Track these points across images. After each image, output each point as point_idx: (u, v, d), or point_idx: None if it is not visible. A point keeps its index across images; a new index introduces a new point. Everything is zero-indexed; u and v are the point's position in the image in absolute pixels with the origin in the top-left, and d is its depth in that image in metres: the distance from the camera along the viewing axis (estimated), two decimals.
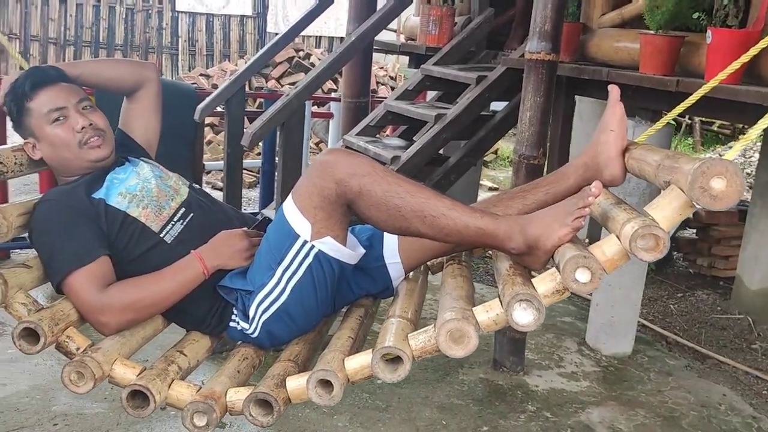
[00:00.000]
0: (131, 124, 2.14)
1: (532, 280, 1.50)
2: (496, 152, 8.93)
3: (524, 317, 1.43)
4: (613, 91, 1.84)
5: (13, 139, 4.43)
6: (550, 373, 3.52)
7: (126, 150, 2.04)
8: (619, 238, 1.43)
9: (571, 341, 3.88)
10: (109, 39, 11.27)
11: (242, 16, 12.01)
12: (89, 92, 2.05)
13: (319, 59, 9.93)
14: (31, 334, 1.57)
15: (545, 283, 1.47)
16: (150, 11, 11.48)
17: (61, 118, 1.87)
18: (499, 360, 3.46)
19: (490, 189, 7.66)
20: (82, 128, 1.87)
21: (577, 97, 4.22)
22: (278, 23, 12.12)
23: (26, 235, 1.82)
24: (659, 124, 2.54)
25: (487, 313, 1.50)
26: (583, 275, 1.41)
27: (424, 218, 1.63)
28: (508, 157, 9.14)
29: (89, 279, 1.70)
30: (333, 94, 7.54)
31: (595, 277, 1.41)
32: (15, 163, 1.86)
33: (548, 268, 1.52)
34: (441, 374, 3.36)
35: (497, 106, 4.20)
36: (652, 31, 3.09)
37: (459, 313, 1.48)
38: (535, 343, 3.77)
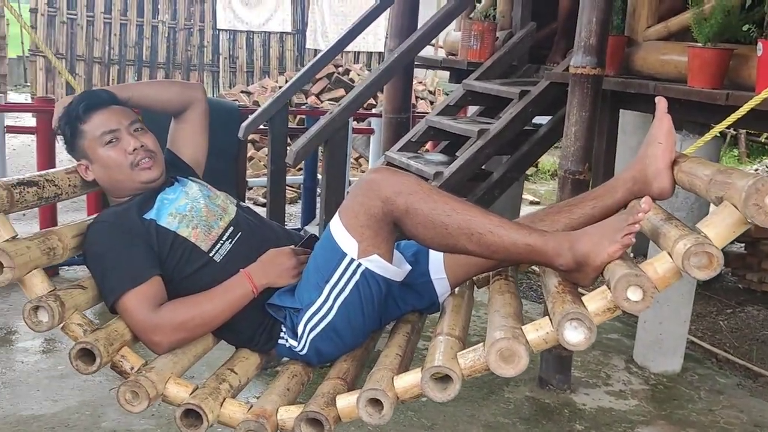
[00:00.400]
0: (179, 143, 2.18)
1: (582, 298, 1.48)
2: (536, 165, 8.87)
3: (575, 336, 1.42)
4: (661, 103, 1.82)
5: (60, 157, 4.54)
6: (597, 391, 3.46)
7: (174, 170, 2.07)
8: (671, 256, 1.41)
9: (619, 359, 3.82)
10: (152, 57, 11.50)
11: (282, 33, 12.16)
12: (136, 112, 2.10)
13: (359, 75, 9.99)
14: (86, 354, 1.60)
15: (596, 301, 1.45)
16: (192, 29, 11.69)
17: (113, 140, 1.91)
18: (545, 378, 3.42)
19: (532, 203, 7.61)
20: (134, 150, 1.91)
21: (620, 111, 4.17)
22: (317, 40, 12.24)
23: (79, 254, 1.86)
24: (708, 136, 2.51)
25: (537, 332, 1.48)
26: (634, 294, 1.39)
27: (471, 236, 1.63)
28: (548, 171, 9.07)
29: (142, 299, 1.72)
30: (373, 110, 7.56)
31: (647, 295, 1.39)
32: (69, 185, 1.90)
33: (598, 285, 1.51)
34: (486, 392, 3.33)
35: (539, 119, 4.17)
36: (700, 44, 3.04)
37: (509, 331, 1.47)
38: (581, 361, 3.72)
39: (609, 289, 1.42)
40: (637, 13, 3.62)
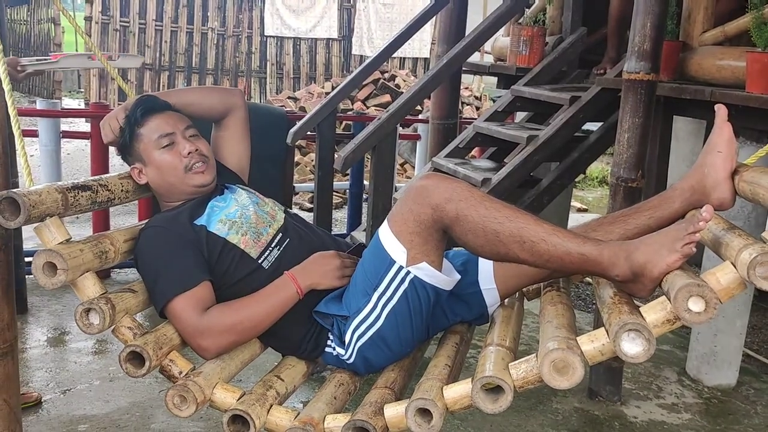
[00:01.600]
0: (222, 151, 2.17)
1: (640, 309, 1.44)
2: (584, 172, 8.74)
3: (633, 348, 1.37)
4: (721, 110, 1.76)
5: (113, 162, 4.61)
6: (648, 403, 3.37)
7: (221, 178, 2.07)
8: (734, 266, 1.36)
9: (671, 371, 3.72)
10: (201, 64, 11.69)
11: (328, 39, 12.25)
12: None
13: (404, 80, 9.99)
14: (136, 357, 1.61)
15: (655, 312, 1.40)
16: (240, 36, 11.86)
17: (169, 144, 1.93)
18: (594, 389, 3.35)
19: (579, 210, 7.50)
20: (189, 153, 1.93)
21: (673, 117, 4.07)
22: (363, 46, 12.32)
23: (131, 258, 1.88)
24: None
25: (593, 343, 1.44)
26: (696, 305, 1.34)
27: (523, 244, 1.59)
28: (596, 177, 8.94)
29: (191, 304, 1.73)
30: (419, 116, 7.53)
31: (710, 306, 1.34)
32: (122, 190, 1.92)
33: (654, 298, 1.46)
34: (534, 402, 3.28)
35: (589, 126, 4.10)
36: (759, 49, 2.95)
37: (563, 342, 1.43)
38: (632, 372, 3.63)
39: (669, 299, 1.38)
40: (692, 18, 3.53)
